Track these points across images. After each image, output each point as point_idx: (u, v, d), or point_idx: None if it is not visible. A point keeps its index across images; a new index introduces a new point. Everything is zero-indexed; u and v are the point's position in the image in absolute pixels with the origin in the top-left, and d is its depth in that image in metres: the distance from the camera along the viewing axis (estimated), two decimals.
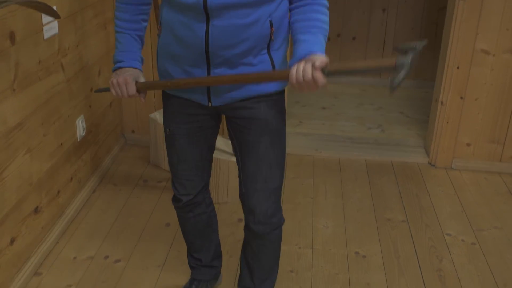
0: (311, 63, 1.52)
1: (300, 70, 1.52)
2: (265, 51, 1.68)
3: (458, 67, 3.23)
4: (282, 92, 1.81)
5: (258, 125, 1.78)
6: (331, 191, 3.15)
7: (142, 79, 1.80)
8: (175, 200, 2.04)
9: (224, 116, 1.88)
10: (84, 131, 2.90)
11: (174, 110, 1.85)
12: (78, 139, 2.85)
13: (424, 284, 2.44)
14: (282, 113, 1.82)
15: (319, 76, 1.51)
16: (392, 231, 2.80)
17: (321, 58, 1.52)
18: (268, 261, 2.06)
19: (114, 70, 1.81)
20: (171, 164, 1.96)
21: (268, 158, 1.81)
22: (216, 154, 2.77)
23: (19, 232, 2.31)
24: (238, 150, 1.86)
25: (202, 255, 2.21)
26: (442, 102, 3.33)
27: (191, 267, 2.26)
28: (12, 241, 2.26)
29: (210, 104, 1.76)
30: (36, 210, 2.45)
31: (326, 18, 1.67)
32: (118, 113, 3.44)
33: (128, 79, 1.75)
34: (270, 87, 1.75)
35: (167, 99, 1.87)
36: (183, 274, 2.40)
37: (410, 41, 1.55)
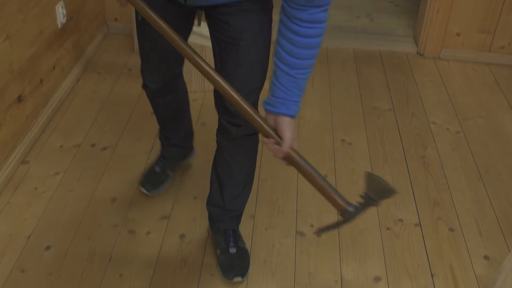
0: (283, 145, 1.48)
1: (273, 148, 1.50)
2: None
3: None
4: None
5: (240, 20, 1.61)
6: (318, 80, 3.12)
7: None
8: (144, 86, 2.00)
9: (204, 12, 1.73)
10: (65, 18, 2.80)
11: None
12: (59, 26, 2.76)
13: (408, 170, 2.48)
14: (268, 4, 1.65)
15: (282, 161, 1.52)
16: (378, 119, 2.81)
17: (285, 142, 1.48)
18: (241, 173, 1.91)
19: None
20: (142, 51, 1.87)
21: (249, 57, 1.65)
22: (203, 41, 2.72)
23: (3, 121, 2.28)
24: (216, 44, 1.70)
25: (172, 135, 2.21)
26: None
27: (161, 143, 2.28)
28: None
29: (184, 2, 1.61)
30: (20, 99, 2.41)
31: (316, 51, 1.53)
32: (99, 0, 3.32)
33: None
34: None
35: None
36: None
37: (384, 182, 1.51)
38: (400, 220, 2.22)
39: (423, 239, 2.15)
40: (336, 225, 1.62)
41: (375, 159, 2.54)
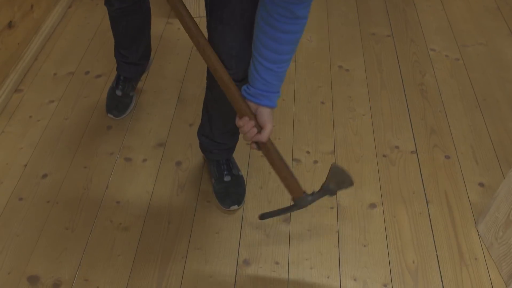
0: (256, 129, 1.52)
1: (248, 129, 1.52)
2: None
3: None
4: None
5: None
6: (315, 5, 3.05)
7: None
8: (108, 3, 1.94)
9: None
10: None
11: None
12: None
13: (406, 97, 2.46)
14: None
15: (253, 146, 1.57)
16: (376, 45, 2.77)
17: (265, 133, 1.52)
18: (230, 110, 1.80)
19: None
20: None
21: (241, 5, 1.52)
22: None
23: None
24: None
25: (130, 53, 2.18)
26: None
27: (117, 62, 2.24)
28: None
29: None
30: (10, 25, 2.35)
31: (296, 46, 1.47)
32: None
33: None
34: None
35: None
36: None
37: (346, 171, 1.63)
38: (397, 147, 2.22)
39: (419, 166, 2.15)
40: (282, 211, 1.74)
41: (372, 85, 2.51)
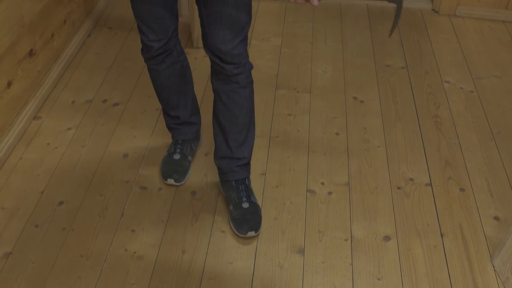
0: None
1: None
2: None
3: None
4: None
5: None
6: (331, 35, 3.08)
7: None
8: (146, 49, 1.93)
9: None
10: None
11: None
12: None
13: (420, 129, 2.47)
14: None
15: (312, 2, 1.50)
16: (391, 77, 2.78)
17: None
18: (242, 114, 1.91)
19: None
20: (135, 6, 1.82)
21: None
22: None
23: (15, 75, 2.28)
24: None
25: (180, 111, 2.13)
26: None
27: (170, 128, 2.19)
28: (9, 84, 2.24)
29: None
30: (31, 53, 2.40)
31: None
32: None
33: None
34: None
35: None
36: None
37: None
38: (411, 179, 2.22)
39: (434, 199, 2.15)
40: (397, 13, 1.60)
41: (387, 117, 2.52)
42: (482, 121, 2.54)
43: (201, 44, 2.85)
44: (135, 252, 1.91)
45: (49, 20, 2.54)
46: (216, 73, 1.86)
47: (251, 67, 1.86)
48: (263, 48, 2.96)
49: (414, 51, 3.00)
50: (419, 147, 2.38)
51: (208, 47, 1.79)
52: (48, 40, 2.56)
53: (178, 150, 2.19)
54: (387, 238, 2.00)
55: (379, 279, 1.86)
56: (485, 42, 3.11)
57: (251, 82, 1.90)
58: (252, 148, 2.01)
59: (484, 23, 3.29)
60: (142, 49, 1.96)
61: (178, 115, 2.14)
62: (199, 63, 2.75)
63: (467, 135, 2.45)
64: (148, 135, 2.36)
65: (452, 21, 3.30)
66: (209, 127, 2.32)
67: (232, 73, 1.81)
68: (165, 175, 2.14)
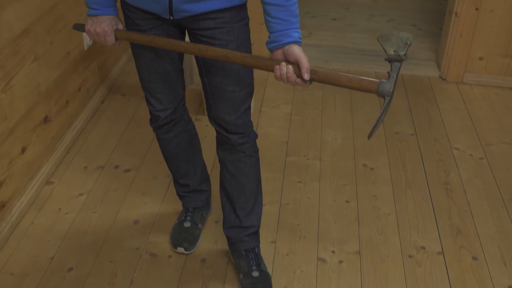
0: (293, 67, 1.54)
1: (284, 74, 1.55)
2: None
3: None
4: (245, 3, 1.72)
5: (223, 33, 1.68)
6: (340, 103, 3.13)
7: (120, 26, 1.75)
8: (153, 119, 1.96)
9: (187, 32, 1.78)
10: (91, 40, 2.85)
11: (136, 19, 1.74)
12: (85, 48, 2.81)
13: (431, 196, 2.47)
14: (246, 20, 1.73)
15: (302, 83, 1.55)
16: (401, 144, 2.81)
17: (303, 62, 1.53)
18: (248, 182, 1.93)
19: (88, 15, 1.73)
20: (142, 78, 1.87)
21: (235, 68, 1.72)
22: None
23: (29, 141, 2.32)
24: (202, 63, 1.77)
25: (189, 179, 2.13)
26: (456, 14, 3.24)
27: (181, 196, 2.20)
28: (23, 150, 2.27)
29: (171, 17, 1.66)
30: (46, 120, 2.45)
31: None
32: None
33: (107, 30, 1.72)
34: (235, 1, 1.66)
35: (127, 10, 1.75)
36: None
37: (394, 33, 1.57)
38: (423, 248, 2.20)
39: (446, 268, 2.12)
40: (381, 114, 1.60)
41: (397, 185, 2.53)
42: (493, 188, 2.54)
43: None
44: None
45: (64, 87, 2.61)
46: (222, 144, 1.89)
47: (255, 136, 1.89)
48: (273, 115, 3.01)
49: (422, 118, 3.03)
50: (430, 215, 2.37)
51: (213, 118, 1.84)
52: (63, 107, 2.61)
53: (188, 218, 2.19)
54: None
55: None
56: (493, 108, 3.15)
57: (257, 151, 1.92)
58: (260, 217, 2.01)
59: (491, 90, 3.33)
60: (150, 119, 2.00)
61: (188, 183, 2.15)
62: (210, 130, 2.79)
63: (478, 202, 2.45)
64: (159, 201, 2.37)
65: (460, 88, 3.34)
66: (219, 195, 2.32)
67: (237, 142, 1.84)
68: (175, 244, 2.14)
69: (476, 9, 3.20)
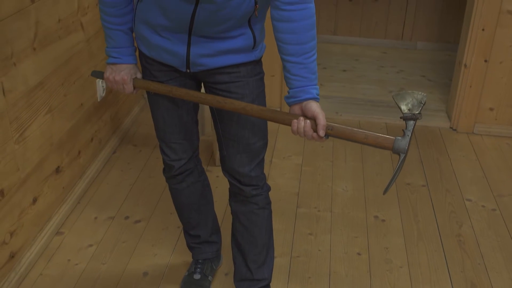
0: (311, 123, 1.57)
1: (301, 129, 1.58)
2: (247, 24, 1.63)
3: (483, 29, 3.16)
4: (261, 58, 1.76)
5: (238, 87, 1.72)
6: (351, 154, 3.13)
7: (139, 74, 1.79)
8: (167, 169, 1.97)
9: (203, 84, 1.82)
10: (104, 92, 2.90)
11: (154, 70, 1.77)
12: (98, 99, 2.85)
13: (443, 249, 2.43)
14: (261, 75, 1.77)
15: (318, 138, 1.59)
16: (412, 195, 2.79)
17: (320, 118, 1.56)
18: (261, 234, 1.93)
19: (108, 63, 1.77)
20: (158, 128, 1.89)
21: (250, 119, 1.75)
22: None
23: (41, 192, 2.33)
24: (217, 114, 1.79)
25: (200, 230, 2.12)
26: (465, 65, 3.27)
27: (191, 247, 2.18)
28: (34, 201, 2.28)
29: (188, 70, 1.69)
30: (58, 170, 2.47)
31: (313, 32, 1.61)
32: None
33: (126, 79, 1.76)
34: (251, 57, 1.70)
35: (146, 61, 1.78)
36: None
37: (409, 91, 1.62)
38: None
39: None
40: (396, 171, 1.63)
41: (409, 236, 2.50)
42: (507, 239, 2.51)
43: None
44: None
45: (77, 138, 2.64)
46: (235, 195, 1.90)
47: (268, 188, 1.89)
48: (284, 166, 3.01)
49: (434, 169, 3.02)
50: (443, 268, 2.33)
51: (227, 170, 1.85)
52: (75, 157, 2.63)
53: (198, 270, 2.17)
54: None
55: None
56: (504, 159, 3.13)
57: (269, 203, 1.92)
58: (272, 269, 1.99)
59: (502, 140, 3.33)
60: (163, 169, 2.00)
61: (199, 234, 2.14)
62: (221, 182, 2.79)
63: (491, 255, 2.41)
64: (168, 253, 2.36)
65: (471, 139, 3.34)
66: (230, 246, 2.31)
67: (250, 194, 1.85)
68: None
69: (485, 60, 3.23)
